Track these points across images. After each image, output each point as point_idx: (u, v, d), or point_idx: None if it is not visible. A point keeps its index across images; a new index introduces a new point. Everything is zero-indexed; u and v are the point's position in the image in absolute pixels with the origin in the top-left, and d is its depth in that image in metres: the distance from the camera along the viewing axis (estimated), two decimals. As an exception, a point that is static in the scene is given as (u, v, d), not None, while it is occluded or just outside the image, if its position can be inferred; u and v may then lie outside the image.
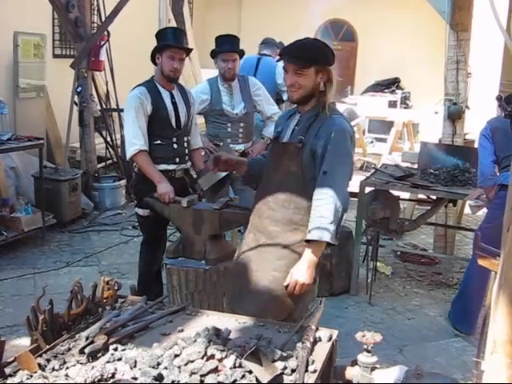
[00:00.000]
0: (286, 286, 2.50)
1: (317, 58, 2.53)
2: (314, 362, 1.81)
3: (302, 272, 2.46)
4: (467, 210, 6.49)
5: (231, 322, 2.13)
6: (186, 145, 3.89)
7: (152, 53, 3.76)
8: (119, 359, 1.79)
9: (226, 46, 4.37)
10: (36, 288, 4.62)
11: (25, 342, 3.40)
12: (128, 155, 3.75)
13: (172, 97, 3.81)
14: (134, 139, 3.67)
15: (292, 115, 2.73)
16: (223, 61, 4.37)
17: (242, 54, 4.47)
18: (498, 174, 4.17)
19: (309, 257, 2.47)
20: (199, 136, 4.14)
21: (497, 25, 3.38)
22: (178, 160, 3.83)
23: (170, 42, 3.68)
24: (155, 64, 3.81)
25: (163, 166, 3.77)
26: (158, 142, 3.76)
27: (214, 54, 4.42)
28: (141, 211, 3.87)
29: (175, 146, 3.81)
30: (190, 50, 3.87)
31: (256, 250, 2.63)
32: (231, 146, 4.55)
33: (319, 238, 2.41)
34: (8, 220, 5.45)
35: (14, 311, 4.19)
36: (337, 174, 2.48)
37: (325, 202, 2.43)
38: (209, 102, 4.47)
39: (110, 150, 7.54)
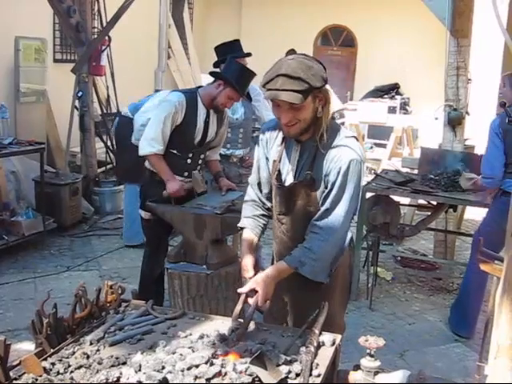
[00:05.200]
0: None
1: (313, 84, 2.09)
2: (317, 366, 1.82)
3: (270, 285, 2.24)
4: (467, 215, 6.51)
5: (235, 327, 2.13)
6: (199, 162, 3.85)
7: (218, 74, 3.68)
8: (124, 363, 1.80)
9: (241, 51, 4.32)
10: (37, 292, 4.62)
11: (26, 346, 3.42)
12: (142, 152, 3.66)
13: (207, 116, 3.73)
14: (153, 141, 3.60)
15: (287, 142, 2.34)
16: None
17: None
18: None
19: (278, 274, 2.27)
20: (219, 151, 4.15)
21: (498, 27, 3.38)
22: (186, 174, 3.79)
23: (242, 90, 3.59)
24: (213, 76, 3.71)
25: None
26: (175, 151, 3.71)
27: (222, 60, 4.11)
28: (143, 214, 3.87)
29: (189, 161, 3.77)
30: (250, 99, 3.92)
31: None
32: (231, 151, 4.55)
33: (295, 268, 2.25)
34: (9, 224, 5.46)
35: (15, 315, 4.19)
36: (339, 213, 2.23)
37: (319, 237, 2.23)
38: None
39: (111, 154, 7.54)
